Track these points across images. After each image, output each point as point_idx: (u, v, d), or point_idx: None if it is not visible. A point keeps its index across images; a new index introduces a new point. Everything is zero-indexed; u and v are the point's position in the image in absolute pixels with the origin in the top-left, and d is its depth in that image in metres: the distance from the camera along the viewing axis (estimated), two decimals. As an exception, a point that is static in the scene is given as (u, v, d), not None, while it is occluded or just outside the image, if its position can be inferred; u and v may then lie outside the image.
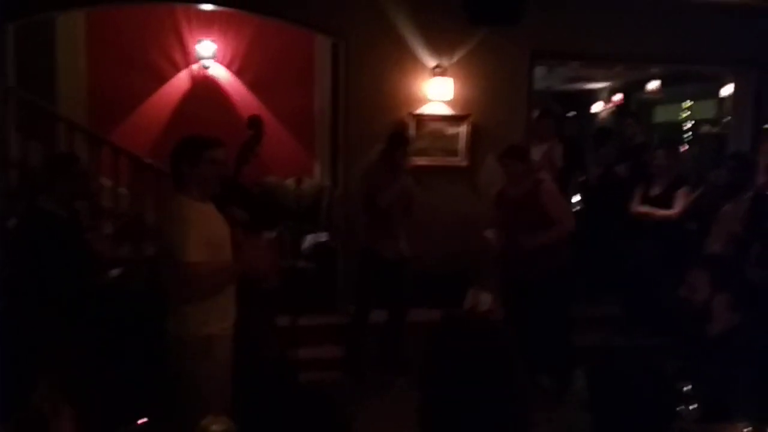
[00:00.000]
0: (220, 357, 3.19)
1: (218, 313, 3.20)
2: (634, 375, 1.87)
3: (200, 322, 3.14)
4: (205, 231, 3.11)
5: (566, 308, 4.87)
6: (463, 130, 5.98)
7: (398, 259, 5.08)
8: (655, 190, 5.75)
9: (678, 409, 2.31)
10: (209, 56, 7.82)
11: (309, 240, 6.35)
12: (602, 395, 1.88)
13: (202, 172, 3.12)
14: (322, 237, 6.44)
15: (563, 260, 4.71)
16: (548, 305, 4.63)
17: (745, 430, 2.43)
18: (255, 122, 4.23)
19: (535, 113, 6.56)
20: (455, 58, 5.93)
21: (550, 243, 4.56)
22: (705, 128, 9.65)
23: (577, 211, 7.06)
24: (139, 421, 2.48)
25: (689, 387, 2.47)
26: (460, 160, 6.05)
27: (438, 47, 5.88)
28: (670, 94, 10.39)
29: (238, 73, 8.01)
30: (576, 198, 7.05)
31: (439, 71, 5.86)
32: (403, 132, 5.30)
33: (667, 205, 5.64)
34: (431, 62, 5.88)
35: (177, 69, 7.89)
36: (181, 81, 7.92)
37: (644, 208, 5.74)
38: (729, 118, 7.67)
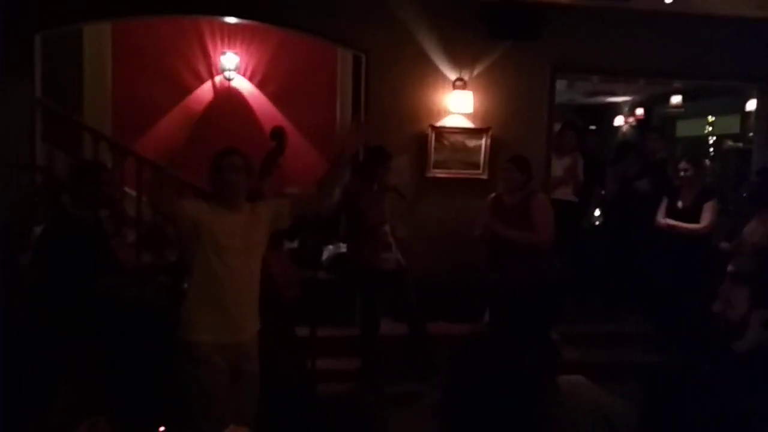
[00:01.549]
0: (213, 365, 3.20)
1: (212, 323, 3.21)
2: (688, 394, 1.85)
3: (191, 327, 3.22)
4: (214, 232, 3.21)
5: (549, 320, 4.88)
6: (483, 143, 5.99)
7: (396, 269, 5.09)
8: (682, 203, 5.63)
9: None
10: (232, 68, 7.90)
11: (329, 251, 6.37)
12: (656, 413, 1.86)
13: (215, 179, 3.26)
14: (342, 248, 6.45)
15: (546, 271, 4.69)
16: (529, 315, 4.58)
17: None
18: (278, 133, 4.26)
19: (557, 127, 6.54)
20: (476, 72, 5.94)
21: (521, 243, 4.59)
22: (728, 143, 9.56)
23: (597, 225, 7.04)
24: (160, 429, 2.49)
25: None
26: (481, 173, 6.04)
27: (459, 60, 5.90)
28: (693, 108, 10.32)
29: (261, 85, 8.08)
30: (596, 212, 7.01)
31: (460, 84, 5.87)
32: (384, 147, 5.16)
33: (694, 218, 5.53)
34: (452, 75, 5.90)
35: (201, 81, 7.98)
36: (204, 92, 8.00)
37: (670, 221, 5.64)
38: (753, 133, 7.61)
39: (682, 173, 5.67)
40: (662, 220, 5.67)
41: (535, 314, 4.60)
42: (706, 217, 5.48)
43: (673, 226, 5.60)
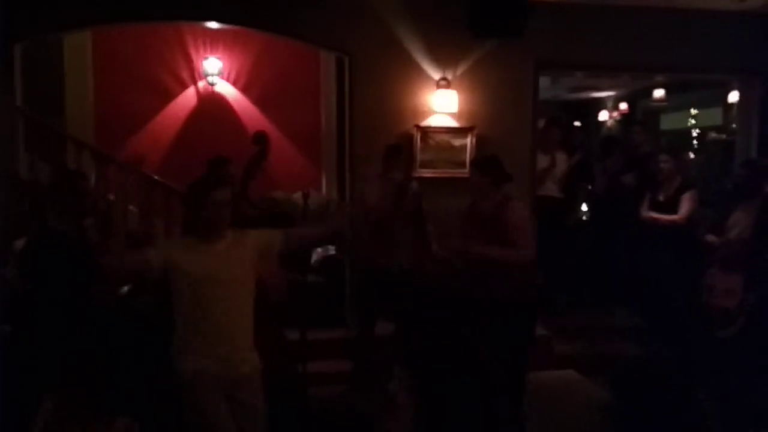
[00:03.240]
0: (204, 393, 3.13)
1: (198, 354, 3.14)
2: (661, 386, 1.85)
3: (179, 353, 3.17)
4: (190, 268, 3.13)
5: (523, 346, 4.27)
6: (468, 141, 5.99)
7: (398, 271, 5.02)
8: (662, 195, 5.74)
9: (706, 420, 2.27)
10: (215, 73, 7.88)
11: (317, 254, 6.36)
12: (628, 406, 1.86)
13: (200, 214, 3.15)
14: (331, 250, 6.45)
15: (526, 290, 4.24)
16: (504, 340, 4.17)
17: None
18: (260, 138, 4.26)
19: (541, 123, 6.57)
20: (459, 71, 5.95)
21: (501, 261, 4.15)
22: (712, 135, 9.63)
23: (584, 220, 7.08)
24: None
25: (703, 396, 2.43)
26: (467, 172, 6.02)
27: (442, 60, 5.90)
28: (676, 101, 10.38)
29: (245, 89, 8.06)
30: (583, 208, 7.05)
31: (444, 84, 5.88)
32: (398, 144, 5.12)
33: (675, 210, 5.62)
34: (436, 75, 5.90)
35: (184, 86, 7.95)
36: (187, 98, 7.97)
37: (651, 213, 5.73)
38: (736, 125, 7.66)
39: (662, 165, 5.76)
40: (644, 213, 5.75)
41: (510, 341, 3.98)
42: (684, 206, 5.59)
43: (653, 218, 5.70)
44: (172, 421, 3.32)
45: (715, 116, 9.79)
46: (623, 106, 11.56)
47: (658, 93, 10.35)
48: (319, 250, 6.43)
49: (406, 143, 5.88)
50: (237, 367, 3.19)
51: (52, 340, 3.37)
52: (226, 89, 8.03)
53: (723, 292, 2.85)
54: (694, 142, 9.81)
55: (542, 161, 6.29)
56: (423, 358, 1.55)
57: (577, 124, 10.58)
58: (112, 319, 3.78)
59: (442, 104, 5.86)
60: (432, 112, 5.91)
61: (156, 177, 6.36)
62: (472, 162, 4.55)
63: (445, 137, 5.97)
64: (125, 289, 4.39)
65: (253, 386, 3.26)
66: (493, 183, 4.32)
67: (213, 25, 6.28)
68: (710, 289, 2.90)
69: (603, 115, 12.11)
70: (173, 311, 3.28)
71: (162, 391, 3.49)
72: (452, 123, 5.97)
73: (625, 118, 11.30)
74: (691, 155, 9.41)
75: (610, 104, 12.04)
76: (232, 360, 3.18)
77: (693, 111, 9.97)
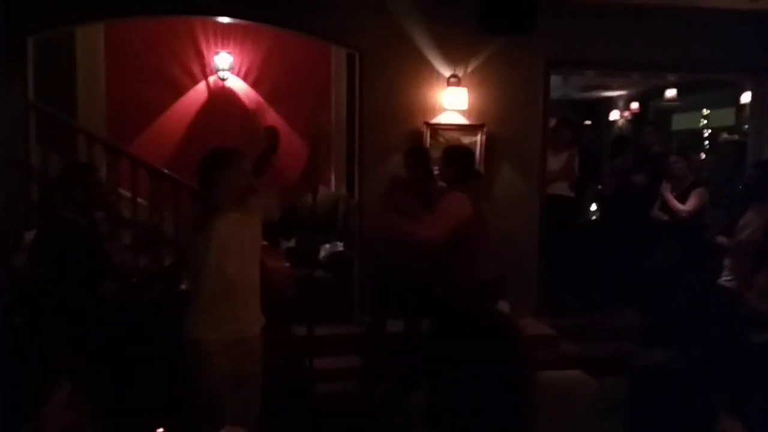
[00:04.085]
0: (218, 364, 3.22)
1: (218, 320, 3.25)
2: (674, 388, 1.84)
3: (196, 326, 3.26)
4: (224, 237, 3.22)
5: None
6: (478, 139, 5.97)
7: (410, 269, 5.03)
8: (673, 193, 5.82)
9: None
10: (226, 68, 7.89)
11: (326, 249, 6.37)
12: (644, 406, 1.85)
13: (233, 181, 3.22)
14: (339, 247, 6.46)
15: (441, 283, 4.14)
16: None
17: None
18: (270, 133, 4.26)
19: (552, 122, 6.54)
20: (470, 68, 5.93)
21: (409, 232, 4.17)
22: (723, 136, 9.58)
23: (594, 220, 7.06)
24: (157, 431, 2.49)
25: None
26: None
27: (453, 57, 5.89)
28: (688, 101, 10.33)
29: (255, 84, 8.07)
30: (593, 207, 7.03)
31: (455, 81, 5.86)
32: (416, 143, 5.16)
33: None
34: (446, 72, 5.88)
35: (195, 81, 7.96)
36: (198, 93, 7.99)
37: (656, 211, 5.84)
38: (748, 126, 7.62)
39: (673, 166, 5.85)
40: (653, 211, 5.88)
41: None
42: (691, 201, 5.70)
43: (659, 215, 5.81)
44: (177, 404, 3.35)
45: (728, 117, 9.74)
46: (634, 105, 11.51)
47: (670, 93, 10.29)
48: (328, 246, 6.43)
49: (416, 140, 5.88)
50: (250, 332, 3.36)
51: (62, 330, 3.39)
52: (237, 84, 8.04)
53: (760, 293, 2.85)
54: (706, 142, 9.76)
55: (553, 161, 6.27)
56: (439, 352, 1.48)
57: (587, 123, 10.55)
58: (120, 310, 3.80)
59: (452, 101, 5.84)
60: (442, 109, 5.90)
61: (166, 171, 6.38)
62: (443, 149, 4.57)
63: (455, 134, 5.95)
64: (133, 280, 4.42)
65: (258, 352, 3.42)
66: (457, 174, 4.29)
67: (224, 19, 6.28)
68: (756, 292, 2.89)
69: (614, 115, 12.06)
70: (189, 280, 3.42)
71: (168, 381, 3.52)
72: (462, 120, 5.95)
73: (637, 118, 11.25)
74: (703, 156, 9.37)
75: (621, 104, 11.99)
76: (246, 325, 3.34)
77: (705, 111, 9.92)
